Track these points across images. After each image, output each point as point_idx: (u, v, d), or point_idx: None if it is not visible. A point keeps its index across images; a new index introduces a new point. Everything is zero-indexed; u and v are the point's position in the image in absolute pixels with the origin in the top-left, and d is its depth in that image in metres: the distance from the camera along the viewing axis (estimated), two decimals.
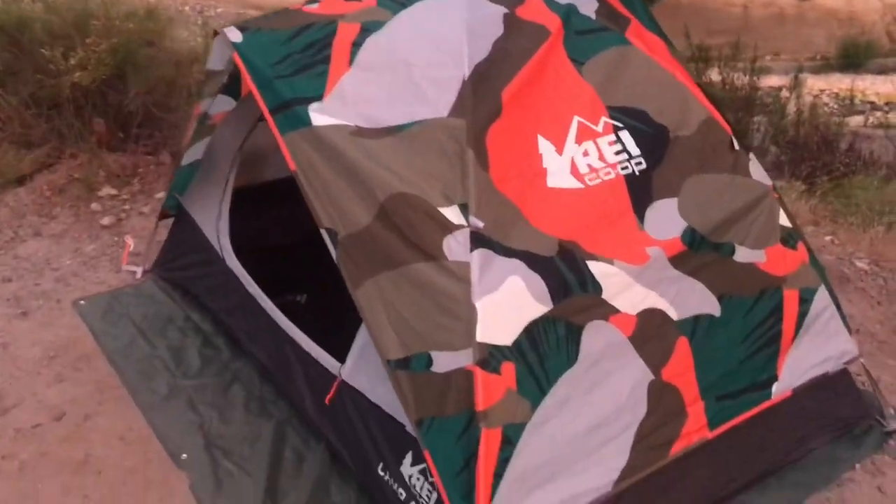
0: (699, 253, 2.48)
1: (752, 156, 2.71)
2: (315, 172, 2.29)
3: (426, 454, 2.08)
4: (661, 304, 2.41)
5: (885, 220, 5.34)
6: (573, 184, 2.40)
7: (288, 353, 2.79)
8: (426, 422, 2.09)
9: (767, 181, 2.71)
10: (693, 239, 2.47)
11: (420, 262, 2.15)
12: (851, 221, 5.35)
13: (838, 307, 2.78)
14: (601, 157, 2.47)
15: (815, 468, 2.61)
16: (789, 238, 2.70)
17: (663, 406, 2.38)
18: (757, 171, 2.70)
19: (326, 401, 2.56)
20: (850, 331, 2.79)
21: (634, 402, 2.32)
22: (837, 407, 2.78)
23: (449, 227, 2.15)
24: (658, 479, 2.35)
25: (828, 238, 4.77)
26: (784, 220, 2.70)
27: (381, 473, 2.36)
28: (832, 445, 2.71)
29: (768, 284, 2.63)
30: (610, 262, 2.31)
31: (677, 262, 2.44)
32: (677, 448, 2.38)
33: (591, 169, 2.44)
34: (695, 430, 2.43)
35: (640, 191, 2.47)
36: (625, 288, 2.33)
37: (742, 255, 2.58)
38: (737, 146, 2.69)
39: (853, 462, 2.64)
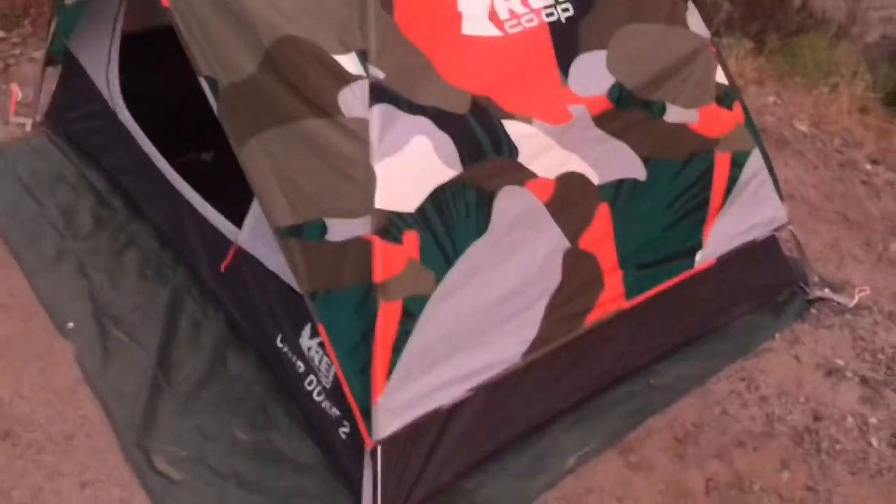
0: (626, 112, 2.29)
1: (690, 4, 2.47)
2: (192, 10, 2.00)
3: (320, 328, 1.93)
4: (582, 167, 2.23)
5: (830, 81, 5.18)
6: (491, 31, 2.15)
7: (184, 216, 2.57)
8: (320, 294, 1.93)
9: (705, 33, 2.48)
10: (621, 96, 2.27)
11: (312, 118, 1.91)
12: (797, 81, 5.19)
13: (771, 172, 2.64)
14: (524, 2, 2.21)
15: (734, 337, 2.55)
16: (725, 97, 2.51)
17: (579, 275, 2.25)
18: (695, 21, 2.47)
19: (222, 268, 2.38)
20: (781, 197, 2.67)
21: (548, 272, 2.18)
22: (762, 275, 2.70)
23: (345, 79, 1.91)
24: (571, 350, 2.26)
25: (771, 99, 4.60)
26: (721, 76, 2.51)
27: (280, 345, 2.21)
28: (754, 314, 2.65)
29: (699, 147, 2.47)
30: (528, 121, 2.11)
31: (602, 121, 2.25)
32: (592, 318, 2.27)
33: (513, 14, 2.18)
34: (611, 299, 2.31)
35: (566, 41, 2.24)
36: (543, 150, 2.14)
37: (673, 114, 2.39)
38: None
39: (773, 331, 2.59)
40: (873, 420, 2.26)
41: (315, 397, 2.11)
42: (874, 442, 2.19)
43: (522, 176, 2.10)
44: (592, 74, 2.25)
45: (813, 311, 2.70)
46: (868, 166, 4.02)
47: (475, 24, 2.13)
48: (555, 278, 2.20)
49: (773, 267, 2.75)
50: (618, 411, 2.28)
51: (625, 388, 2.35)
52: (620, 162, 2.32)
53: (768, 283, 2.73)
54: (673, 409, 2.30)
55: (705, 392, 2.36)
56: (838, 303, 2.74)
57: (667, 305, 2.47)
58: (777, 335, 2.58)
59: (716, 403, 2.31)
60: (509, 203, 2.08)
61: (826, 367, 2.45)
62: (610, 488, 2.08)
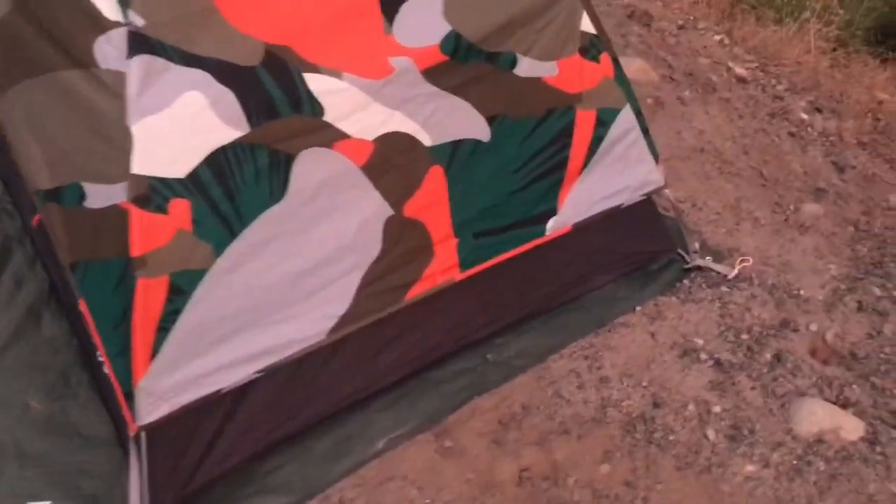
0: (467, 65, 2.06)
1: None
2: None
3: (81, 303, 1.77)
4: (408, 126, 2.02)
5: (802, 17, 4.85)
6: None
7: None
8: (81, 265, 1.76)
9: None
10: (458, 47, 2.03)
11: (67, 68, 1.70)
12: (758, 17, 4.87)
13: (645, 131, 2.42)
14: None
15: (590, 309, 2.38)
16: (591, 47, 2.27)
17: (403, 245, 2.07)
18: None
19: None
20: (656, 157, 2.45)
21: (364, 242, 2.00)
22: (632, 241, 2.51)
23: (102, 25, 1.69)
24: (394, 324, 2.09)
25: (717, 38, 4.31)
26: (587, 24, 2.26)
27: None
28: (620, 284, 2.47)
29: (558, 103, 2.24)
30: (337, 74, 1.89)
31: (435, 75, 2.02)
32: (417, 291, 2.10)
33: None
34: (441, 270, 2.14)
35: None
36: (357, 108, 1.93)
37: (526, 67, 2.16)
38: None
39: (635, 303, 2.41)
40: (717, 409, 2.10)
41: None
42: (711, 434, 2.03)
43: (330, 137, 1.90)
44: (424, 23, 2.01)
45: (685, 282, 2.51)
46: (804, 115, 3.76)
47: None
48: (373, 248, 2.02)
49: (647, 233, 2.55)
50: (444, 390, 2.13)
51: (457, 365, 2.19)
52: (458, 121, 2.10)
53: (639, 250, 2.54)
54: (504, 389, 2.15)
55: (543, 370, 2.20)
56: (717, 273, 2.56)
57: (513, 275, 2.30)
58: (638, 308, 2.40)
59: (551, 383, 2.16)
60: (313, 166, 1.89)
61: (682, 347, 2.28)
62: (414, 476, 1.94)
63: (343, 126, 1.91)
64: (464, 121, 2.11)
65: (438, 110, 2.06)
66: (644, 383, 2.17)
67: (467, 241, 2.18)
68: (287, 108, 1.83)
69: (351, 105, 1.92)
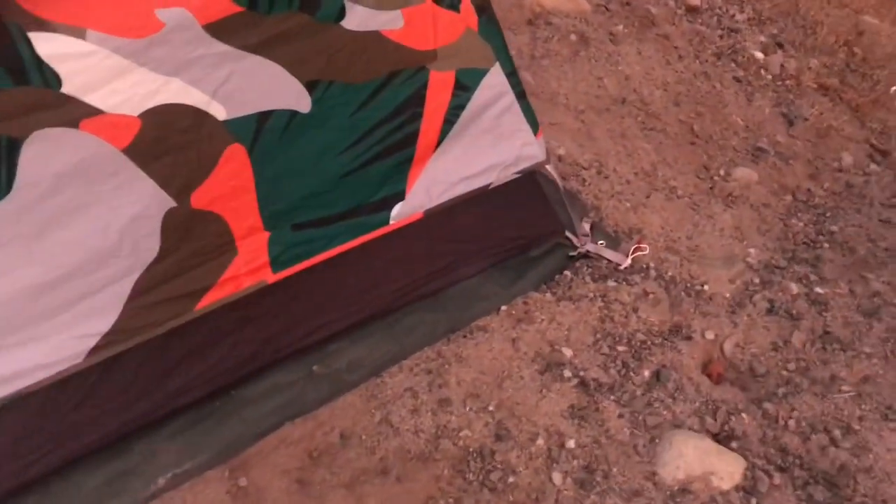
0: (272, 16, 1.63)
1: None
2: None
3: None
4: (191, 97, 1.60)
5: None
6: None
7: None
8: None
9: None
10: None
11: None
12: None
13: (520, 95, 1.99)
14: None
15: (443, 310, 2.01)
16: None
17: (192, 243, 1.68)
18: None
19: None
20: (536, 127, 2.04)
21: (135, 242, 1.61)
22: (504, 224, 2.13)
23: None
24: (186, 337, 1.73)
25: None
26: None
27: None
28: (485, 278, 2.09)
29: (404, 63, 1.82)
30: (78, 33, 1.45)
31: (226, 31, 1.59)
32: (212, 298, 1.73)
33: None
34: (247, 272, 1.76)
35: None
36: (113, 75, 1.50)
37: (358, 18, 1.72)
38: None
39: (500, 302, 2.04)
40: (571, 443, 1.76)
41: None
42: (557, 478, 1.70)
43: (73, 113, 1.48)
44: None
45: (567, 273, 2.14)
46: (758, 54, 3.30)
47: None
48: (148, 249, 1.64)
49: (527, 212, 2.16)
50: (248, 414, 1.79)
51: (275, 378, 1.84)
52: (264, 88, 1.68)
53: (515, 234, 2.15)
54: (324, 412, 1.81)
55: (377, 387, 1.86)
56: (608, 262, 2.18)
57: (352, 270, 1.92)
58: (503, 308, 2.03)
59: (381, 406, 1.81)
60: (50, 151, 1.48)
61: (546, 360, 1.93)
62: None
63: (92, 100, 1.49)
64: (272, 88, 1.69)
65: (235, 75, 1.63)
66: (491, 407, 1.82)
67: (284, 235, 1.79)
68: (6, 79, 1.41)
69: (102, 72, 1.49)
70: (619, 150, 2.59)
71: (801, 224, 2.54)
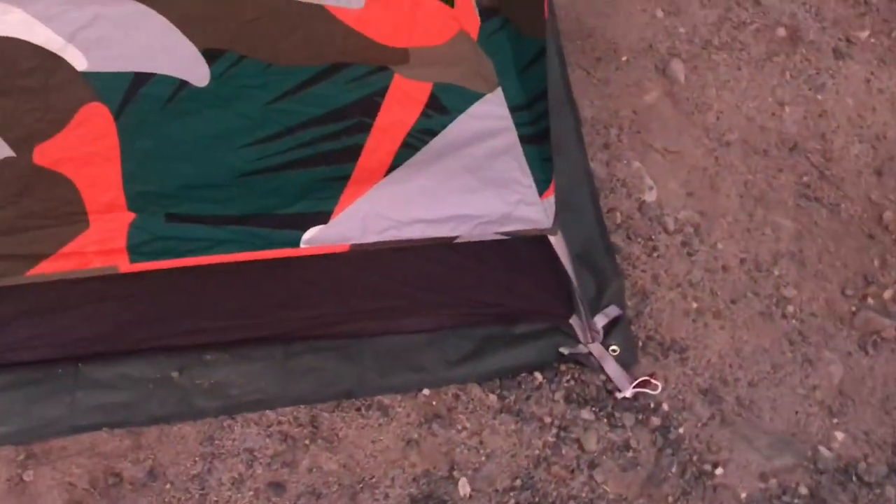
0: None
1: None
2: None
3: None
4: (40, 34, 1.25)
5: None
6: None
7: None
8: None
9: None
10: None
11: None
12: None
13: (531, 140, 1.39)
14: None
15: (353, 365, 1.56)
16: None
17: (33, 202, 1.38)
18: None
19: None
20: (544, 185, 1.44)
21: None
22: (479, 285, 1.60)
23: None
24: (20, 296, 1.49)
25: None
26: None
27: None
28: (435, 343, 1.60)
29: (356, 56, 1.32)
30: None
31: None
32: (50, 268, 1.43)
33: None
34: (98, 251, 1.43)
35: None
36: None
37: None
38: None
39: (429, 382, 1.56)
40: None
41: None
42: None
43: None
44: None
45: (538, 376, 1.59)
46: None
47: None
48: None
49: (521, 277, 1.61)
50: (79, 399, 1.52)
51: (125, 369, 1.55)
52: (143, 43, 1.28)
53: (493, 300, 1.61)
54: (154, 432, 1.51)
55: (222, 429, 1.51)
56: (605, 381, 1.60)
57: (248, 277, 1.54)
58: (426, 392, 1.56)
59: (210, 455, 1.47)
60: None
61: (429, 488, 1.45)
62: None
63: None
64: (154, 46, 1.28)
65: (102, 20, 1.25)
66: None
67: (153, 223, 1.43)
68: None
69: None
70: (740, 217, 1.86)
71: None
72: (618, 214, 1.82)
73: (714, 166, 1.93)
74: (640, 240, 1.78)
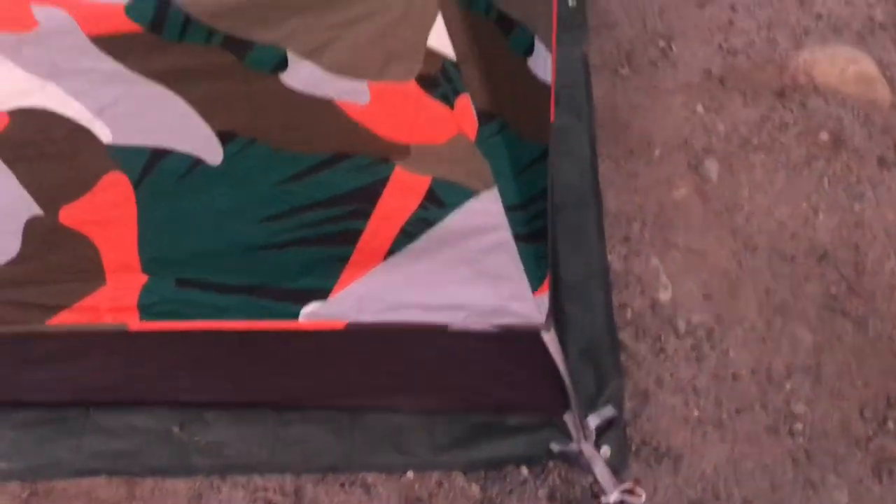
0: (183, 45, 1.28)
1: None
2: None
3: None
4: (71, 109, 1.35)
5: None
6: None
7: None
8: None
9: None
10: (162, 16, 1.25)
11: None
12: None
13: (525, 238, 1.42)
14: None
15: (343, 439, 1.61)
16: (443, 79, 1.29)
17: (57, 256, 1.49)
18: None
19: None
20: (538, 282, 1.45)
21: None
22: (473, 375, 1.61)
23: None
24: (41, 341, 1.59)
25: None
26: (441, 40, 1.26)
27: None
28: (425, 425, 1.63)
29: (360, 148, 1.37)
30: None
31: (120, 48, 1.28)
32: (67, 320, 1.54)
33: None
34: (110, 308, 1.53)
35: None
36: None
37: (305, 76, 1.30)
38: None
39: (413, 464, 1.58)
40: None
41: None
42: None
43: None
44: None
45: (524, 471, 1.59)
46: None
47: None
48: (7, 248, 1.48)
49: (517, 370, 1.61)
50: (87, 442, 1.63)
51: (132, 420, 1.66)
52: (163, 122, 1.36)
53: (486, 388, 1.63)
54: (148, 484, 1.58)
55: (208, 488, 1.57)
56: (592, 483, 1.58)
57: (249, 345, 1.60)
58: (410, 474, 1.58)
59: None
60: None
61: None
62: None
63: None
64: (173, 125, 1.36)
65: (127, 100, 1.34)
66: None
67: (164, 287, 1.52)
68: None
69: None
70: (758, 325, 1.82)
71: None
72: (629, 311, 1.81)
73: (736, 270, 1.90)
74: (648, 339, 1.77)
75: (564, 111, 2.03)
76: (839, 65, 2.19)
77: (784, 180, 2.04)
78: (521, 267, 1.45)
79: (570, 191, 1.92)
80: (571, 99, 2.08)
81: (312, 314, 1.52)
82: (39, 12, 1.25)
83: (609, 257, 1.87)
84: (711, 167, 2.04)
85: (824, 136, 2.11)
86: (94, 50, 1.28)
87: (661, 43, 2.26)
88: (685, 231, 1.94)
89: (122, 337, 1.57)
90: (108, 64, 1.29)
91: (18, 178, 1.40)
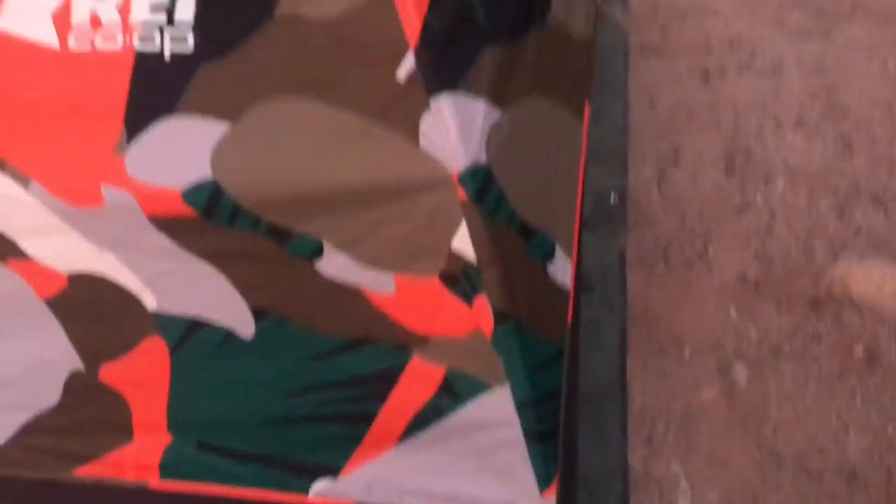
0: (231, 231, 1.40)
1: (442, 104, 1.32)
2: None
3: None
4: (124, 277, 1.48)
5: None
6: (45, 36, 1.43)
7: None
8: None
9: (458, 160, 1.32)
10: (214, 204, 1.38)
11: None
12: None
13: (536, 437, 1.44)
14: (124, 8, 1.41)
15: None
16: (464, 279, 1.38)
17: (94, 410, 1.58)
18: (441, 136, 1.32)
19: None
20: (546, 482, 1.46)
21: (35, 383, 1.57)
22: None
23: None
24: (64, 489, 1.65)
25: None
26: (464, 244, 1.36)
27: None
28: None
29: (381, 336, 1.45)
30: (23, 180, 1.42)
31: (174, 229, 1.42)
32: (90, 472, 1.60)
33: (94, 22, 1.42)
34: (132, 465, 1.60)
35: (157, 89, 1.40)
36: (46, 230, 1.45)
37: (336, 266, 1.41)
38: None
39: None
40: None
41: None
42: None
43: (2, 249, 1.47)
44: (177, 154, 1.39)
45: None
46: None
47: (24, 17, 1.44)
48: (48, 397, 1.58)
49: None
50: None
51: None
52: (205, 296, 1.48)
53: None
54: None
55: None
56: None
57: None
58: None
59: None
60: None
61: None
62: None
63: (24, 244, 1.46)
64: (213, 300, 1.47)
65: (175, 274, 1.46)
66: None
67: (185, 448, 1.58)
68: None
69: (37, 224, 1.44)
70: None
71: None
72: None
73: (760, 483, 1.86)
74: None
75: (597, 302, 2.09)
76: (875, 280, 2.21)
77: (814, 393, 2.02)
78: (530, 465, 1.47)
79: (596, 382, 1.95)
80: (605, 291, 2.14)
81: (322, 491, 1.55)
82: (107, 192, 1.39)
83: (630, 457, 1.86)
84: (741, 373, 2.05)
85: (859, 351, 2.10)
86: (151, 228, 1.41)
87: (699, 244, 2.33)
88: (709, 436, 1.92)
89: (140, 494, 1.63)
90: (162, 241, 1.42)
91: (68, 334, 1.52)
